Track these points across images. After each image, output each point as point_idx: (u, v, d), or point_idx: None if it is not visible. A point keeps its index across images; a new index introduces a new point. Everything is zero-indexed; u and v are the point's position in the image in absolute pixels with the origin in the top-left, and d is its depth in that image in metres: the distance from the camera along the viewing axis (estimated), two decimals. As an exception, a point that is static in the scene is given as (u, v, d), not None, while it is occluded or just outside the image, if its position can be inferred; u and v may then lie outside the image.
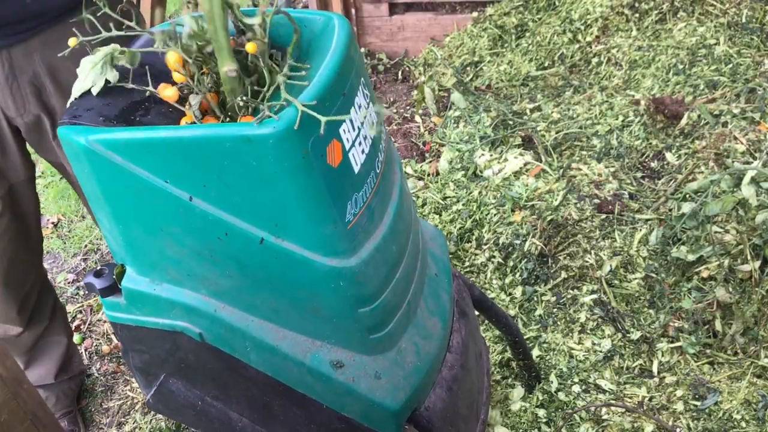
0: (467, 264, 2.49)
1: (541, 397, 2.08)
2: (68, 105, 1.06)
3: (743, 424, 1.94)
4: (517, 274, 2.36)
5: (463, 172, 2.77)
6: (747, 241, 2.08)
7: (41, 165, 3.72)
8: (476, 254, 2.49)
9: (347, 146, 1.03)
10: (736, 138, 2.44)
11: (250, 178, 0.97)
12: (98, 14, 1.09)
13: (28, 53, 1.60)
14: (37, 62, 1.62)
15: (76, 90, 1.07)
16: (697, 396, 2.02)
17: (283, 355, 1.18)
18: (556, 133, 2.76)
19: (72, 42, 1.08)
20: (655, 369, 2.10)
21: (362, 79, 1.11)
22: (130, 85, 1.07)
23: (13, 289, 1.93)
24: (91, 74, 1.05)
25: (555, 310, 2.27)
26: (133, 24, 1.08)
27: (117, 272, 1.19)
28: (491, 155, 2.73)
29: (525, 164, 2.65)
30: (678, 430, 1.96)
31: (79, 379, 2.39)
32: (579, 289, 2.27)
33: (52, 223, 3.33)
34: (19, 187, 1.79)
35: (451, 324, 1.45)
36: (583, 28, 3.16)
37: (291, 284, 1.10)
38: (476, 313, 1.74)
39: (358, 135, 1.06)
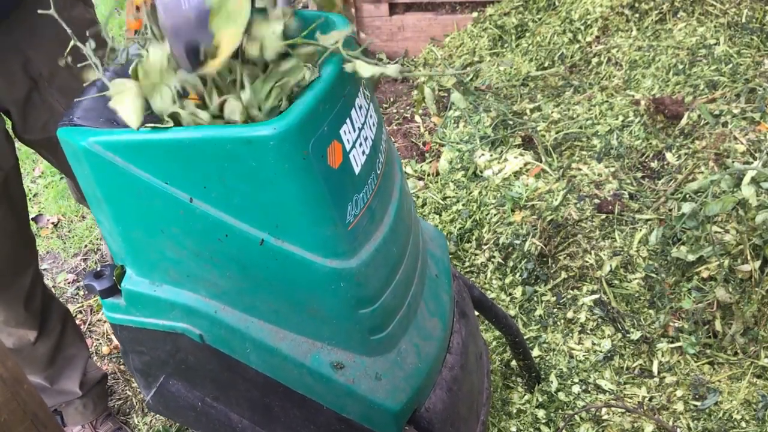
0: (467, 264, 2.49)
1: (540, 398, 2.08)
2: (68, 106, 1.06)
3: (743, 424, 1.94)
4: (517, 275, 2.36)
5: (463, 172, 2.77)
6: (747, 241, 2.07)
7: (41, 165, 3.72)
8: (476, 254, 2.49)
9: (348, 147, 1.03)
10: (736, 138, 2.44)
11: (250, 179, 0.97)
12: None
13: (9, 29, 1.60)
14: (18, 33, 1.62)
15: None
16: (697, 396, 2.02)
17: (283, 356, 1.18)
18: (556, 133, 2.76)
19: None
20: (655, 369, 2.10)
21: (362, 80, 1.11)
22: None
23: (13, 286, 1.87)
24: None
25: (555, 310, 2.27)
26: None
27: (117, 273, 1.19)
28: (491, 155, 2.73)
29: (525, 164, 2.65)
30: (678, 430, 1.96)
31: (105, 379, 2.31)
32: (579, 289, 2.27)
33: (52, 223, 3.33)
34: (10, 175, 1.76)
35: (452, 325, 1.45)
36: (583, 28, 3.16)
37: (291, 285, 1.10)
38: (476, 313, 1.74)
39: (358, 136, 1.06)
